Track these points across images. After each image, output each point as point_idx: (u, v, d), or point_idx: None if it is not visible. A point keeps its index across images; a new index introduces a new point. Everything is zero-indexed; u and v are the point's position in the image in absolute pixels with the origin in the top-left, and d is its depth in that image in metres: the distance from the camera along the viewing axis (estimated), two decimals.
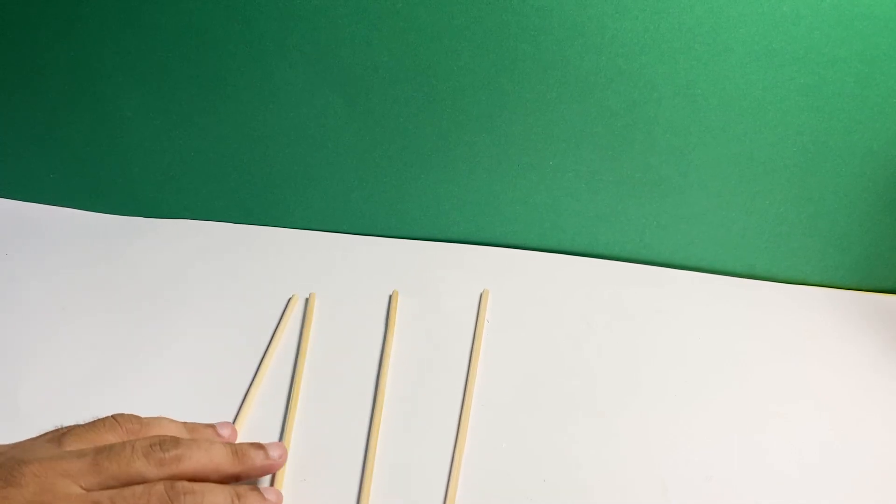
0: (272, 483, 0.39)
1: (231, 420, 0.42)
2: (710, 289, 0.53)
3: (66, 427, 0.36)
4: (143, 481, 0.33)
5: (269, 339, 0.48)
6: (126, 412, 0.37)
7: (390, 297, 0.51)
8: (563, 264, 0.55)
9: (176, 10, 0.50)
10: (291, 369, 0.46)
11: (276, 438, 0.42)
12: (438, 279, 0.54)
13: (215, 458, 0.36)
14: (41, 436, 0.36)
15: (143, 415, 0.38)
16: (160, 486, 0.33)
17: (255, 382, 0.45)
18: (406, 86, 0.51)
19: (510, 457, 0.41)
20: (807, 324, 0.51)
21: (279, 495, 0.37)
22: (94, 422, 0.36)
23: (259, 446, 0.38)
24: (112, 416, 0.37)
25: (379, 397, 0.44)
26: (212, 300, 0.51)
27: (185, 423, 0.39)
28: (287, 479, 0.39)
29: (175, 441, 0.35)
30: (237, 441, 0.40)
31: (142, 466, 0.33)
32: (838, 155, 0.49)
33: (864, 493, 0.40)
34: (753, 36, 0.46)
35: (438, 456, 0.41)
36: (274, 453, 0.38)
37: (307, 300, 0.51)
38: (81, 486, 0.32)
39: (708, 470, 0.40)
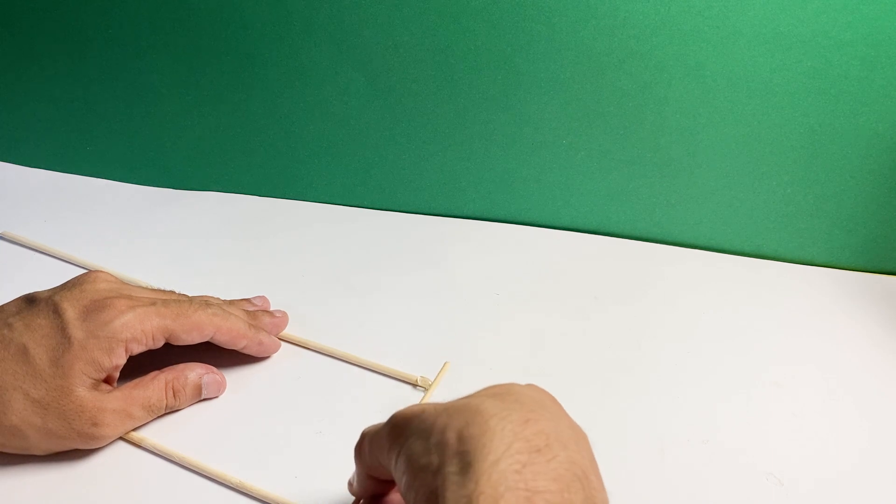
0: None
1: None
2: (717, 268, 0.55)
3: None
4: None
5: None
6: None
7: None
8: (575, 241, 0.57)
9: None
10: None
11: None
12: (453, 254, 0.55)
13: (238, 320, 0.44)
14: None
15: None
16: (197, 298, 0.43)
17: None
18: (425, 65, 0.53)
19: None
20: (812, 303, 0.52)
21: (284, 314, 0.47)
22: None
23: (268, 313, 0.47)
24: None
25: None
26: (236, 270, 0.54)
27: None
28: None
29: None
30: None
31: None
32: (844, 137, 0.50)
33: (860, 464, 0.40)
34: (761, 19, 0.47)
35: None
36: (277, 313, 0.47)
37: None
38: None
39: (705, 434, 0.42)
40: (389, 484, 0.33)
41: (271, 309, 0.49)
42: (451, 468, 0.24)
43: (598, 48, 0.50)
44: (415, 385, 0.44)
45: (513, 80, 0.52)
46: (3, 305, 0.40)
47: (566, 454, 0.25)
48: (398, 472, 0.27)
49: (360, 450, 0.32)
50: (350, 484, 0.35)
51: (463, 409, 0.27)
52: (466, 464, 0.24)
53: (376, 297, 0.51)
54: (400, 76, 0.54)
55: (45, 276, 0.51)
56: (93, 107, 0.60)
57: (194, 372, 0.42)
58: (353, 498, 0.36)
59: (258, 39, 0.55)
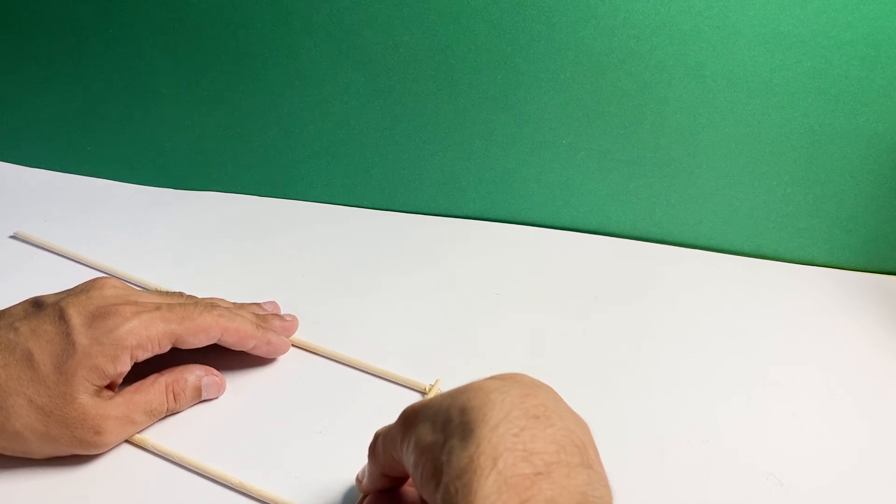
0: None
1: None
2: (717, 268, 0.55)
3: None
4: None
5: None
6: None
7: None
8: (575, 241, 0.57)
9: None
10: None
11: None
12: (453, 254, 0.55)
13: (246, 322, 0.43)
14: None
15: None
16: (204, 300, 0.42)
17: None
18: (425, 65, 0.53)
19: None
20: (812, 303, 0.52)
21: (295, 318, 0.47)
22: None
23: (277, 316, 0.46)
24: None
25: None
26: (236, 270, 0.54)
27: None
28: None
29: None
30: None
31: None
32: (844, 137, 0.50)
33: (860, 464, 0.40)
34: (762, 19, 0.47)
35: None
36: (287, 317, 0.47)
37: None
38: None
39: (705, 434, 0.42)
40: (401, 481, 0.33)
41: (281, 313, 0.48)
42: (455, 439, 0.26)
43: (598, 48, 0.50)
44: (422, 392, 0.44)
45: (513, 80, 0.52)
46: (9, 308, 0.40)
47: (564, 424, 0.26)
48: (408, 456, 0.28)
49: (373, 450, 0.33)
50: (358, 480, 0.35)
51: (466, 389, 0.28)
52: (468, 431, 0.25)
53: (376, 297, 0.51)
54: (400, 76, 0.54)
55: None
56: (93, 107, 0.60)
57: (193, 374, 0.42)
58: (357, 495, 0.37)
59: (258, 39, 0.55)
